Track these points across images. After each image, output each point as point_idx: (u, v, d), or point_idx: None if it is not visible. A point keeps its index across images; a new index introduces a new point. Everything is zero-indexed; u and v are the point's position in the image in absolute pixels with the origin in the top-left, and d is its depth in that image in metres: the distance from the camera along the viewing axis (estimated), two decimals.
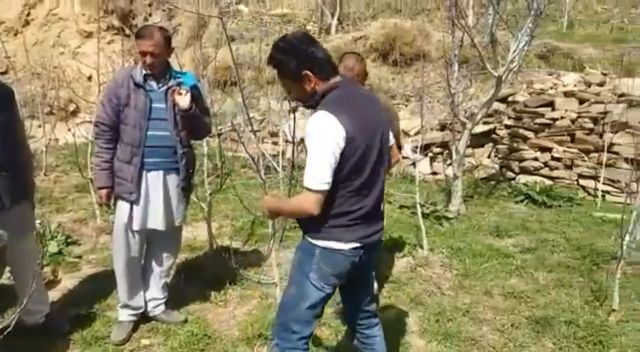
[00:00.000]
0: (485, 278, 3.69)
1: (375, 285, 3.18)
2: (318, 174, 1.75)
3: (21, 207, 2.48)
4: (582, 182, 6.08)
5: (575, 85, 6.70)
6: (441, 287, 3.59)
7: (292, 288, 1.99)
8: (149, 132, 2.73)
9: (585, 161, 6.05)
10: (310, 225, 1.91)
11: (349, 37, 10.09)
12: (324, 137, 1.74)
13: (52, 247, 3.90)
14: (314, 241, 1.91)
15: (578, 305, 3.26)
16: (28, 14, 11.85)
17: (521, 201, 5.76)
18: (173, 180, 2.87)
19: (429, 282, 3.64)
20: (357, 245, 1.91)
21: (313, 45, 1.87)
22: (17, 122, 2.53)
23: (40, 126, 6.95)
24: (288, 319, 1.98)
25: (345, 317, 2.31)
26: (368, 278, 2.22)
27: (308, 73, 1.84)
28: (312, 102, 1.90)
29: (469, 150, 6.75)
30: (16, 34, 11.25)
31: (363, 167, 1.85)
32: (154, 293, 3.06)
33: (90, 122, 2.81)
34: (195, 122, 2.85)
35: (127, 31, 11.76)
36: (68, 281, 3.60)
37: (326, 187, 1.77)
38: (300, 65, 1.83)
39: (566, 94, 6.36)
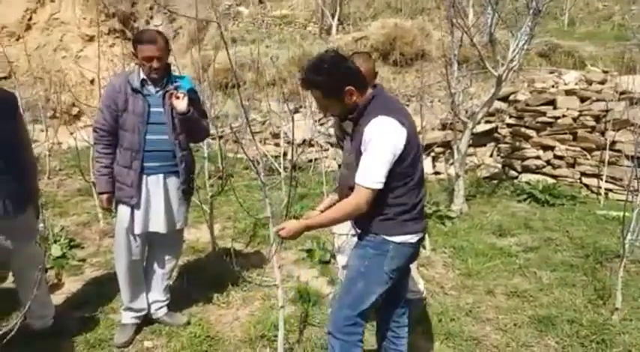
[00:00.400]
0: (488, 278, 3.69)
1: (421, 286, 3.23)
2: (377, 173, 1.88)
3: (26, 213, 2.50)
4: (585, 180, 6.07)
5: (576, 83, 6.69)
6: (443, 286, 3.59)
7: (360, 283, 2.06)
8: (148, 137, 2.74)
9: (588, 159, 6.04)
10: (384, 225, 2.02)
11: (350, 38, 10.10)
12: (388, 139, 1.88)
13: (56, 251, 3.91)
14: (390, 237, 2.02)
15: (582, 304, 3.25)
16: (30, 18, 11.91)
17: (524, 199, 5.75)
18: (173, 183, 2.88)
19: (431, 282, 3.64)
20: (421, 235, 2.12)
21: (347, 61, 2.00)
22: (21, 128, 2.55)
23: (43, 130, 6.98)
24: (356, 314, 2.06)
25: (380, 315, 2.36)
26: (407, 274, 2.36)
27: (351, 87, 1.95)
28: (355, 114, 2.01)
29: (471, 150, 6.75)
30: (18, 39, 11.31)
31: (417, 161, 2.02)
32: (157, 296, 3.07)
33: (92, 125, 2.83)
34: (193, 125, 2.86)
35: (129, 35, 11.80)
36: (72, 285, 3.62)
37: (380, 186, 1.90)
38: (342, 82, 1.95)
39: (568, 92, 6.35)
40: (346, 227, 2.70)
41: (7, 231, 2.38)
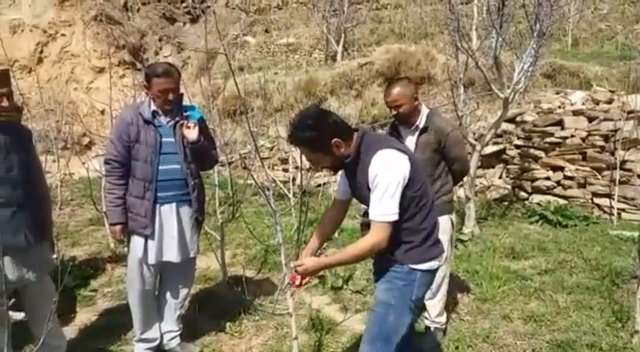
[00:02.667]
0: (504, 302, 3.63)
1: (444, 318, 3.21)
2: (389, 206, 1.89)
3: (42, 245, 2.52)
4: (597, 200, 6.01)
5: (583, 103, 6.70)
6: (459, 312, 3.54)
7: (391, 317, 2.03)
8: (160, 167, 2.77)
9: (598, 179, 6.00)
10: (411, 254, 2.02)
11: (355, 64, 10.25)
12: (395, 170, 1.90)
13: (69, 282, 3.91)
14: (417, 266, 2.02)
15: (600, 328, 3.18)
16: (41, 52, 12.23)
17: (536, 221, 5.70)
18: (186, 211, 2.90)
19: (446, 307, 3.59)
20: (443, 257, 2.12)
21: (331, 114, 2.04)
22: (36, 161, 2.59)
23: (55, 161, 7.07)
24: (392, 348, 2.03)
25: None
26: None
27: (337, 139, 1.97)
28: (350, 159, 2.03)
29: (480, 171, 6.73)
30: (30, 72, 11.59)
31: (425, 186, 2.04)
32: (169, 326, 3.05)
33: (103, 155, 2.88)
34: (203, 153, 2.89)
35: (138, 66, 12.04)
36: (84, 316, 3.60)
37: (395, 217, 1.90)
38: (328, 136, 1.96)
39: (575, 113, 6.36)
40: None
41: (27, 263, 2.40)
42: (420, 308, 2.16)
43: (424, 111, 2.95)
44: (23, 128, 2.60)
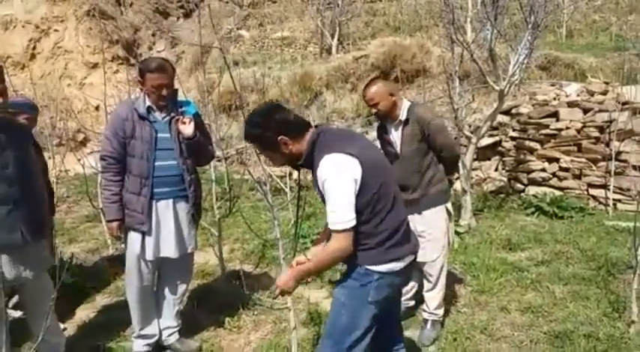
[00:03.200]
0: (501, 294, 3.66)
1: (441, 311, 3.20)
2: (344, 213, 1.83)
3: (39, 243, 2.51)
4: (592, 191, 6.04)
5: (578, 95, 6.71)
6: (456, 304, 3.56)
7: (343, 317, 1.99)
8: (156, 163, 2.76)
9: (594, 170, 6.02)
10: (366, 255, 1.95)
11: (350, 57, 10.21)
12: (341, 176, 1.84)
13: (66, 278, 3.90)
14: (373, 267, 1.94)
15: (597, 318, 3.21)
16: (34, 48, 12.11)
17: (532, 213, 5.72)
18: (182, 207, 2.90)
19: (444, 300, 3.60)
20: (412, 258, 2.04)
21: (281, 111, 2.00)
22: (33, 159, 2.57)
23: (50, 157, 7.01)
24: (345, 348, 1.97)
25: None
26: (399, 299, 2.28)
27: (283, 137, 1.95)
28: (303, 160, 1.99)
29: (476, 164, 6.74)
30: (23, 68, 11.49)
31: (388, 185, 1.96)
32: (168, 322, 3.06)
33: (99, 151, 2.87)
34: (199, 149, 2.89)
35: (132, 61, 11.96)
36: (82, 313, 3.60)
37: (353, 223, 1.85)
38: (274, 133, 1.94)
39: (570, 104, 6.37)
40: None
41: (24, 261, 2.39)
42: (385, 314, 2.06)
43: (405, 104, 3.03)
44: (19, 124, 2.58)
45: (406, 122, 2.98)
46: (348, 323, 1.97)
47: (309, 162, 1.97)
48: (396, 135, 3.06)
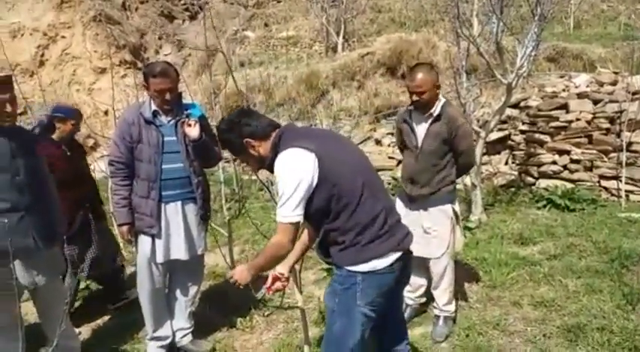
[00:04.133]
0: (513, 288, 3.63)
1: (453, 306, 3.17)
2: (289, 206, 1.84)
3: (52, 249, 2.54)
4: (604, 183, 5.97)
5: (587, 86, 6.63)
6: (468, 300, 3.54)
7: (336, 323, 1.95)
8: (164, 166, 2.78)
9: (605, 161, 5.95)
10: (344, 255, 1.92)
11: (355, 55, 10.18)
12: (292, 170, 1.85)
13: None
14: (354, 268, 1.90)
15: (610, 311, 3.18)
16: (42, 55, 12.24)
17: (544, 206, 5.67)
18: (191, 209, 2.92)
19: (455, 296, 3.59)
20: (398, 254, 1.93)
21: (245, 115, 2.07)
22: (43, 166, 2.61)
23: None
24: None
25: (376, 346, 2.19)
26: (400, 296, 2.23)
27: (248, 139, 2.00)
28: (271, 162, 1.98)
29: (485, 158, 6.71)
30: (32, 75, 11.61)
31: (356, 176, 1.91)
32: (181, 323, 3.08)
33: (108, 156, 2.94)
34: (206, 151, 2.90)
35: (139, 65, 12.04)
36: (97, 317, 3.64)
37: (298, 218, 1.86)
38: (239, 136, 2.01)
39: (580, 96, 6.30)
40: None
41: (37, 266, 2.42)
42: (381, 311, 2.00)
43: (440, 100, 2.95)
44: (28, 132, 2.61)
45: (437, 118, 2.90)
46: (343, 329, 1.94)
47: (273, 162, 1.96)
48: (421, 128, 2.98)
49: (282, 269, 2.18)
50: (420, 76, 2.84)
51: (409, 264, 2.06)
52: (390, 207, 2.01)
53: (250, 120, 2.02)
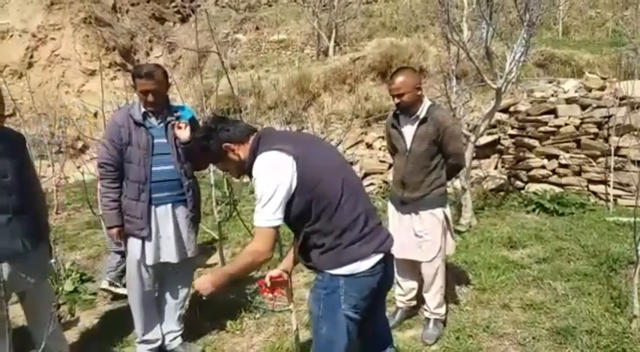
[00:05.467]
0: (503, 291, 3.65)
1: (443, 309, 3.18)
2: (267, 210, 1.80)
3: (39, 250, 2.51)
4: (592, 187, 6.04)
5: (575, 91, 6.71)
6: (458, 302, 3.56)
7: (323, 329, 1.93)
8: (154, 168, 2.77)
9: (593, 166, 6.02)
10: (325, 259, 1.90)
11: (347, 59, 10.22)
12: (270, 173, 1.82)
13: (68, 286, 3.91)
14: (335, 271, 1.87)
15: (599, 314, 3.20)
16: (31, 56, 12.14)
17: (533, 210, 5.72)
18: (181, 211, 2.91)
19: (445, 298, 3.60)
20: (380, 257, 1.91)
21: (220, 121, 2.04)
22: (30, 166, 2.58)
23: (49, 165, 7.03)
24: None
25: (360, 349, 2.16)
26: (383, 299, 2.21)
27: (227, 144, 1.97)
28: (249, 165, 1.94)
29: (475, 162, 6.74)
30: (20, 77, 11.51)
31: (335, 179, 1.89)
32: (171, 326, 3.06)
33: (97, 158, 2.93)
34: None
35: (129, 67, 11.98)
36: (85, 320, 3.60)
37: (277, 222, 1.83)
38: (217, 142, 1.97)
39: (568, 101, 6.37)
40: None
41: (25, 269, 2.40)
42: (365, 314, 1.97)
43: (426, 102, 2.98)
44: (16, 134, 2.59)
45: (423, 120, 2.92)
46: (330, 334, 1.92)
47: (251, 166, 1.92)
48: (408, 131, 3.00)
49: (280, 269, 2.17)
50: (398, 78, 2.89)
51: (391, 267, 2.05)
52: (369, 210, 1.98)
53: (227, 126, 2.00)
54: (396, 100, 2.93)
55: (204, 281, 1.95)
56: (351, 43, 12.03)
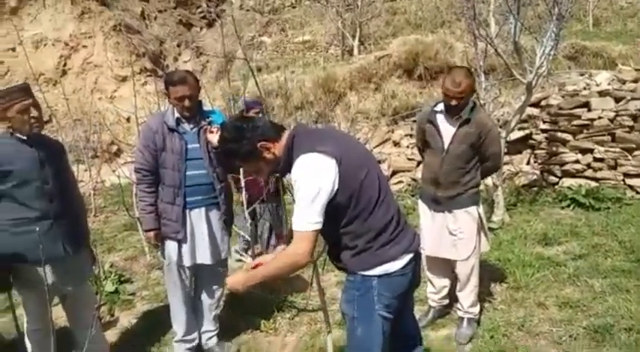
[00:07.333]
0: (538, 289, 3.60)
1: (477, 309, 3.17)
2: (308, 214, 1.76)
3: (80, 255, 2.61)
4: (629, 181, 5.87)
5: (609, 84, 6.53)
6: (492, 301, 3.52)
7: (359, 329, 1.94)
8: (188, 173, 2.83)
9: (629, 159, 5.85)
10: (356, 261, 1.90)
11: (372, 58, 10.19)
12: (312, 176, 1.77)
13: (108, 286, 4.04)
14: (368, 272, 1.88)
15: (638, 311, 3.12)
16: (65, 64, 12.53)
17: (567, 205, 5.59)
18: (215, 214, 2.97)
19: (479, 297, 3.57)
20: (410, 256, 1.93)
21: (249, 120, 1.97)
22: (69, 172, 2.68)
23: (86, 169, 7.26)
24: None
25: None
26: (412, 299, 2.22)
27: (263, 142, 1.87)
28: (282, 164, 1.91)
29: (507, 158, 6.63)
30: (55, 84, 11.89)
31: (372, 181, 1.88)
32: (207, 326, 3.13)
33: (132, 162, 3.03)
34: None
35: (159, 72, 12.24)
36: (124, 320, 3.71)
37: (317, 226, 1.77)
38: (252, 141, 1.86)
39: (601, 94, 6.20)
40: None
41: (65, 273, 2.49)
42: (396, 314, 1.97)
43: (469, 103, 2.94)
44: (54, 141, 2.70)
45: (466, 121, 2.88)
46: (366, 335, 1.92)
47: (287, 165, 1.88)
48: (448, 130, 2.94)
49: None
50: (463, 80, 2.78)
51: (419, 265, 2.07)
52: (398, 209, 1.98)
53: (256, 123, 1.92)
54: (453, 102, 2.83)
55: (236, 281, 1.96)
56: (375, 42, 11.98)
